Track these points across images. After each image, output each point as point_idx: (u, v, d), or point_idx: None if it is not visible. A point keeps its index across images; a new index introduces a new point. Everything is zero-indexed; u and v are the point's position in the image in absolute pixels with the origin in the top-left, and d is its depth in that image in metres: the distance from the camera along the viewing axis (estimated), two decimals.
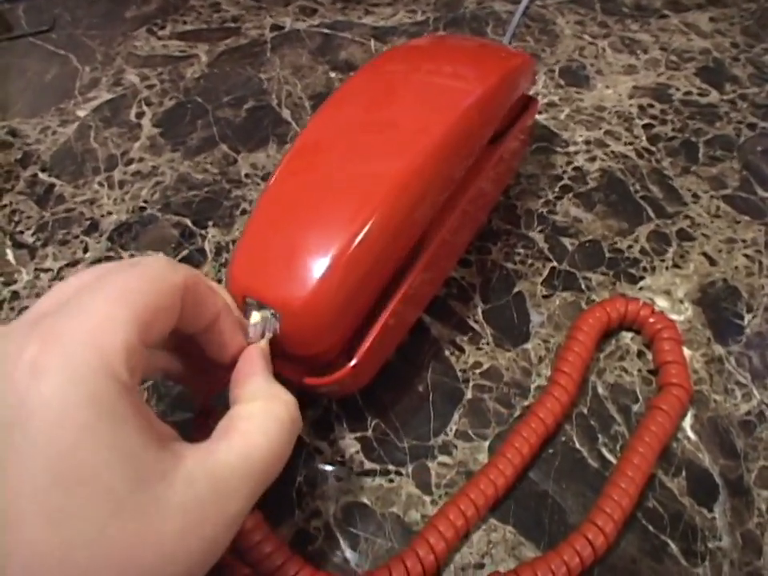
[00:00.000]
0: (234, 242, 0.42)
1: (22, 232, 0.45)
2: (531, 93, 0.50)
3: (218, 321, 0.25)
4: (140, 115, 0.53)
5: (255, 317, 0.27)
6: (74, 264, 0.42)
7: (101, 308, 0.19)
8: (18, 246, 0.44)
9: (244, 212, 0.44)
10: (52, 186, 0.48)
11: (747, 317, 0.37)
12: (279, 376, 0.31)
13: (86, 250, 0.43)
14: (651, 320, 0.35)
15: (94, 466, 0.17)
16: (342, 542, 0.30)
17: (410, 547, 0.28)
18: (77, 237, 0.44)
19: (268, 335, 0.27)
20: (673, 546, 0.29)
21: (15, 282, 0.42)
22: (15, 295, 0.41)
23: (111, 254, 0.43)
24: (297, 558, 0.28)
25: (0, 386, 0.17)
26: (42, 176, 0.49)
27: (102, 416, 0.17)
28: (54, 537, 0.16)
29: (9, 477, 0.16)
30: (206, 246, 0.42)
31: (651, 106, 0.51)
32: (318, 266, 0.27)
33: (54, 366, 0.17)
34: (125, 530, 0.17)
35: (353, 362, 0.29)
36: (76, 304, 0.20)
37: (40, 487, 0.16)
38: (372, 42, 0.59)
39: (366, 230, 0.27)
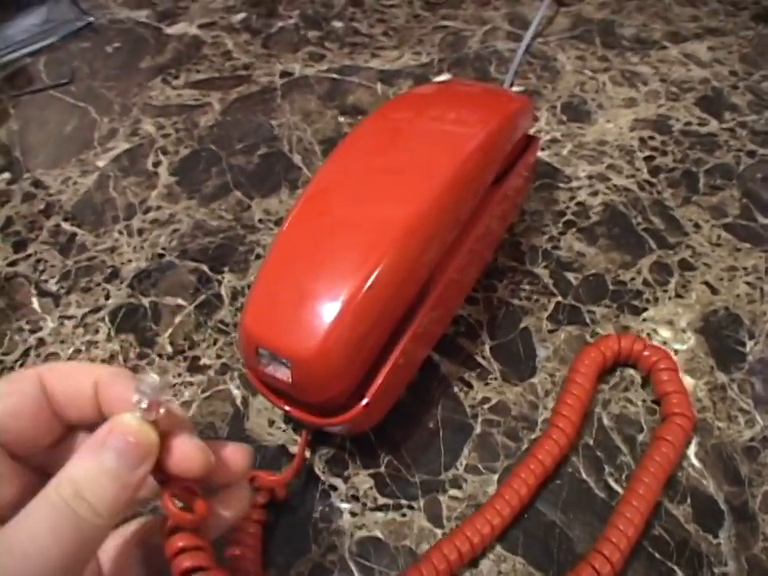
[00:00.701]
0: (249, 286, 0.44)
1: (46, 281, 0.47)
2: (534, 130, 0.52)
3: (99, 390, 0.23)
4: (157, 164, 0.55)
5: (146, 381, 0.21)
6: (96, 310, 0.44)
7: None
8: (42, 294, 0.46)
9: (258, 257, 0.46)
10: (74, 234, 0.50)
11: (749, 344, 0.38)
12: (292, 417, 0.32)
13: (107, 297, 0.45)
14: (645, 353, 0.36)
15: None
16: (356, 575, 0.31)
17: (414, 567, 0.29)
18: (99, 284, 0.46)
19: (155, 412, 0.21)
20: (679, 572, 0.30)
21: (41, 329, 0.43)
22: (41, 342, 0.42)
23: (132, 300, 0.44)
24: None
25: None
26: (64, 225, 0.51)
27: None
28: None
29: None
30: (223, 291, 0.44)
31: (652, 137, 0.52)
32: (328, 314, 0.28)
33: None
34: None
35: (364, 402, 0.30)
36: None
37: None
38: (379, 86, 0.60)
39: (374, 275, 0.29)
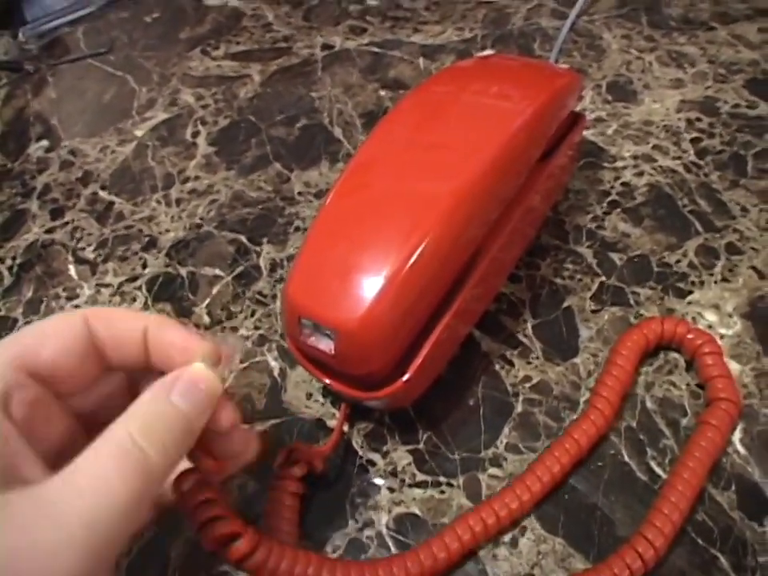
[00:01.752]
0: (288, 258, 0.43)
1: (83, 248, 0.47)
2: (579, 109, 0.51)
3: (149, 344, 0.24)
4: (195, 134, 0.55)
5: (229, 339, 0.24)
6: (133, 279, 0.44)
7: None
8: (79, 261, 0.46)
9: (297, 229, 0.45)
10: (111, 203, 0.50)
11: None
12: (332, 390, 0.32)
13: (144, 266, 0.45)
14: (689, 336, 0.35)
15: None
16: (393, 550, 0.31)
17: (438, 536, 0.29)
18: (136, 253, 0.46)
19: (228, 369, 0.24)
20: (723, 559, 0.29)
21: (77, 296, 0.44)
22: (77, 309, 0.42)
23: (169, 269, 0.44)
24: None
25: None
26: (101, 194, 0.51)
27: None
28: None
29: None
30: (261, 263, 0.44)
31: (699, 119, 0.51)
32: (373, 287, 0.28)
33: None
34: None
35: (406, 377, 0.30)
36: None
37: None
38: (421, 60, 0.60)
39: (419, 250, 0.28)
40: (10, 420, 0.20)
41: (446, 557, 0.29)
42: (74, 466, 0.19)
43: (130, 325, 0.24)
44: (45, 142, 0.57)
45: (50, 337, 0.22)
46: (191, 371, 0.22)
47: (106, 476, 0.18)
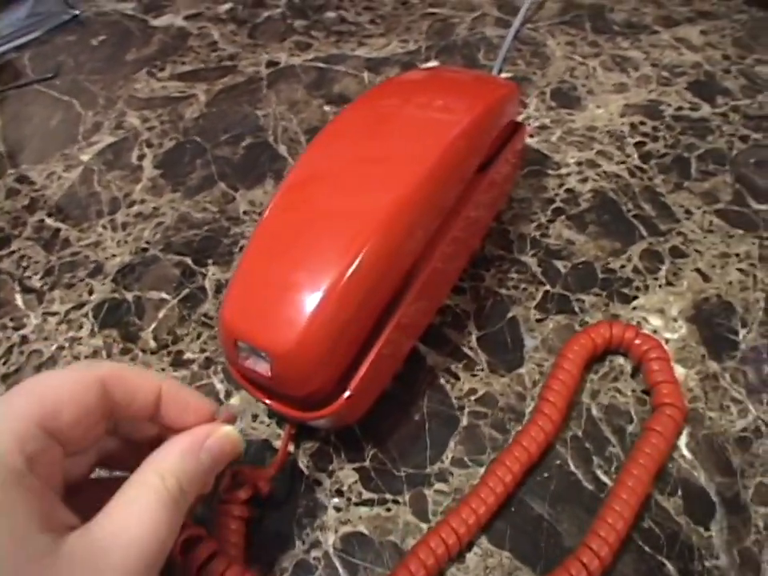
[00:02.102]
0: None
1: (30, 277, 0.46)
2: (523, 117, 0.51)
3: (161, 403, 0.26)
4: (141, 157, 0.54)
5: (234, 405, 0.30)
6: (79, 306, 0.43)
7: None
8: (26, 290, 0.45)
9: (242, 249, 0.45)
10: (58, 230, 0.49)
11: (742, 332, 0.37)
12: (275, 411, 0.32)
13: (91, 292, 0.44)
14: (637, 341, 0.35)
15: None
16: (341, 571, 0.30)
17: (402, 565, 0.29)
18: (82, 280, 0.45)
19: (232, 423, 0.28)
20: (669, 566, 0.29)
21: (24, 326, 0.43)
22: (24, 339, 0.42)
23: (116, 294, 0.43)
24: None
25: None
26: (48, 221, 0.50)
27: None
28: None
29: None
30: (207, 284, 0.43)
31: (643, 123, 0.51)
32: (307, 306, 0.28)
33: None
34: None
35: (347, 394, 0.30)
36: None
37: None
38: (366, 74, 0.59)
39: (355, 265, 0.28)
40: (39, 478, 0.21)
41: None
42: (119, 508, 0.22)
43: (146, 387, 0.26)
44: None
45: (68, 403, 0.23)
46: (221, 434, 0.26)
47: (149, 520, 0.22)
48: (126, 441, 0.27)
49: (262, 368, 0.29)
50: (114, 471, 0.29)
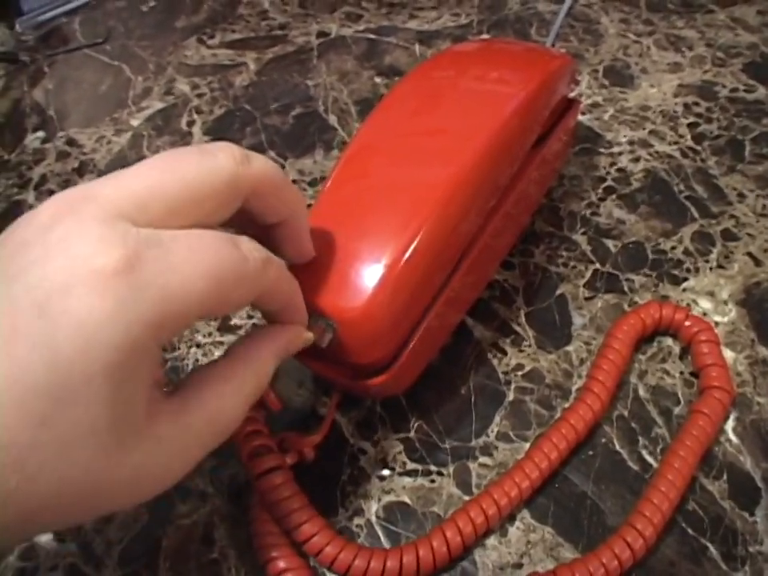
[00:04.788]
0: None
1: None
2: (575, 93, 0.51)
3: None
4: (191, 123, 0.55)
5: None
6: None
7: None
8: None
9: None
10: None
11: None
12: (325, 378, 0.32)
13: None
14: (687, 323, 0.35)
15: (88, 398, 0.17)
16: (383, 539, 0.31)
17: (438, 528, 0.29)
18: None
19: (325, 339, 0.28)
20: (712, 549, 0.29)
21: None
22: None
23: None
24: (319, 518, 0.29)
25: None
26: None
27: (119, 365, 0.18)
28: (21, 436, 0.17)
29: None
30: None
31: (696, 104, 0.50)
32: (373, 276, 0.28)
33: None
34: (92, 460, 0.18)
35: (396, 365, 0.30)
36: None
37: (31, 387, 0.17)
38: (417, 47, 0.59)
39: (417, 239, 0.28)
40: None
41: (446, 551, 0.28)
42: (213, 401, 0.23)
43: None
44: (41, 133, 0.57)
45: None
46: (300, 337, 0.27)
47: (238, 416, 0.24)
48: None
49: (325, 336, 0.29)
50: None
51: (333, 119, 0.53)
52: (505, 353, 0.37)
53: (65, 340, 0.17)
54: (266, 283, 0.23)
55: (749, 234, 0.41)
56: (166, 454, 0.21)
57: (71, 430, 0.17)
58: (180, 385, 0.23)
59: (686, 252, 0.40)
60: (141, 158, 0.51)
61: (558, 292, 0.39)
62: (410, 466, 0.33)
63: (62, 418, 0.17)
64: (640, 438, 0.33)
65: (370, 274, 0.28)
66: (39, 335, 0.17)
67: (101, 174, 0.51)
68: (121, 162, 0.52)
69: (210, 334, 0.39)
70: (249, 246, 0.22)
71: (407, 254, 0.28)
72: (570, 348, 0.36)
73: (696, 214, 0.42)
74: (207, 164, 0.22)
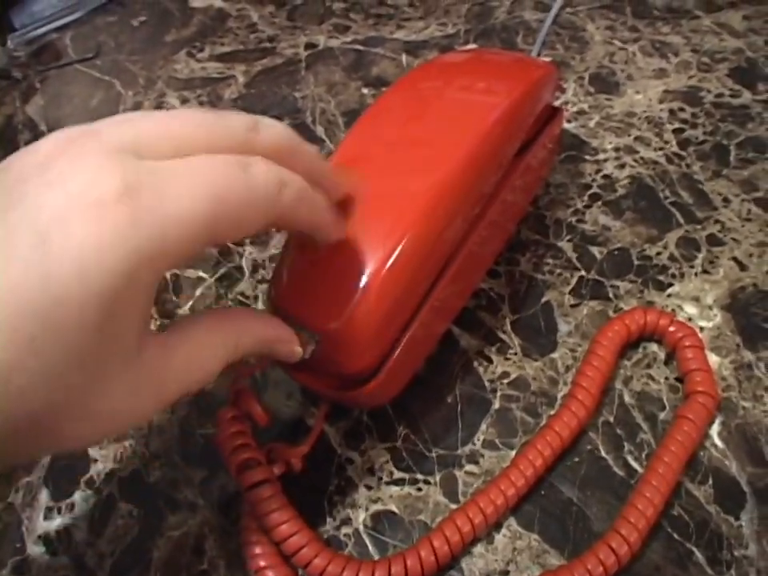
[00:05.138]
0: (270, 258, 0.44)
1: None
2: (561, 102, 0.51)
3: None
4: None
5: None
6: None
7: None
8: None
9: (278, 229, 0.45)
10: None
11: None
12: (311, 389, 0.32)
13: None
14: (671, 329, 0.35)
15: (79, 323, 0.18)
16: (370, 548, 0.31)
17: (426, 538, 0.29)
18: None
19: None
20: (698, 553, 0.29)
21: None
22: None
23: None
24: (307, 530, 0.29)
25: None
26: None
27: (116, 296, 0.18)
28: (7, 355, 0.17)
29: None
30: (243, 264, 0.44)
31: (682, 109, 0.50)
32: (355, 286, 0.28)
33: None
34: (74, 387, 0.18)
35: (381, 375, 0.30)
36: None
37: (23, 308, 0.17)
38: (404, 57, 0.59)
39: (400, 247, 0.28)
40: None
41: (434, 561, 0.29)
42: (193, 350, 0.23)
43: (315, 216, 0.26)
44: None
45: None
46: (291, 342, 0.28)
47: (214, 371, 0.24)
48: None
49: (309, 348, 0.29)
50: None
51: (320, 130, 0.53)
52: (491, 361, 0.37)
53: (60, 265, 0.17)
54: (282, 206, 0.23)
55: (734, 239, 0.41)
56: (145, 387, 0.21)
57: (58, 354, 0.17)
58: (168, 327, 0.24)
59: (672, 258, 0.40)
60: None
61: (544, 299, 0.39)
62: (397, 474, 0.33)
63: (51, 342, 0.17)
64: (625, 444, 0.33)
65: (352, 283, 0.28)
66: (35, 259, 0.17)
67: None
68: None
69: None
70: (261, 168, 0.22)
71: (390, 263, 0.28)
72: (555, 355, 0.37)
73: (681, 220, 0.42)
74: (222, 122, 0.22)
